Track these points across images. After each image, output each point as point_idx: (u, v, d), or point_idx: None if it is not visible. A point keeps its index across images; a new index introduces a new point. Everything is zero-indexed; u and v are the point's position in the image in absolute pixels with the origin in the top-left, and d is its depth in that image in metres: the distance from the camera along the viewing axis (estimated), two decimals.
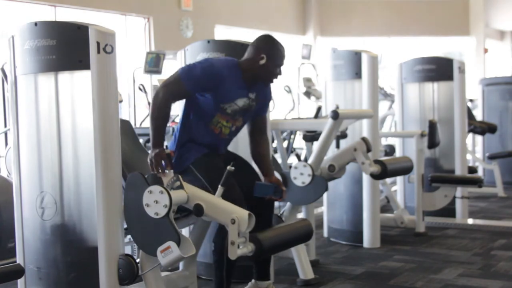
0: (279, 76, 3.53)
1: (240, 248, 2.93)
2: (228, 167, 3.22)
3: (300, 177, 4.15)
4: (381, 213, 5.37)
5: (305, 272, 4.18)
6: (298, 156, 4.62)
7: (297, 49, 12.51)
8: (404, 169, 5.00)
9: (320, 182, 4.14)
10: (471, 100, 9.78)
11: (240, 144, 4.18)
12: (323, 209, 5.57)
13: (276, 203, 4.46)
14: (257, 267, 3.64)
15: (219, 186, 3.24)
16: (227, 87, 3.37)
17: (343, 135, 5.05)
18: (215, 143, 3.50)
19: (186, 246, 2.87)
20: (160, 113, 3.29)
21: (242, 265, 4.03)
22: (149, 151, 3.27)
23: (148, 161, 3.22)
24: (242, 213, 2.90)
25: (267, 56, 3.43)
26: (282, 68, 3.53)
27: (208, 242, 4.17)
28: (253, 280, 3.65)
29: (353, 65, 5.17)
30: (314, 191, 4.14)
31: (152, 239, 2.90)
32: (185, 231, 3.83)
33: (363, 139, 4.51)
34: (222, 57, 3.59)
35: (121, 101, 7.30)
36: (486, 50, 16.95)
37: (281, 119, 6.73)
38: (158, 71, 8.21)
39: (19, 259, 3.29)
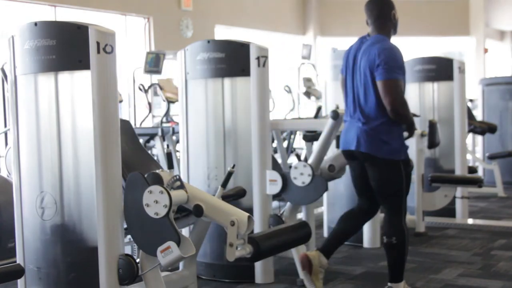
0: None
1: (238, 249, 2.93)
2: (229, 169, 3.22)
3: (300, 177, 4.14)
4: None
5: None
6: (298, 156, 4.63)
7: (297, 49, 12.51)
8: None
9: (320, 182, 4.14)
10: (471, 100, 9.78)
11: (240, 142, 4.19)
12: (323, 209, 5.57)
13: (276, 203, 4.46)
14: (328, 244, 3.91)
15: (219, 186, 3.24)
16: None
17: None
18: None
19: (186, 246, 2.87)
20: (409, 112, 3.69)
21: (242, 265, 4.04)
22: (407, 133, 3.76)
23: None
24: (241, 215, 2.89)
25: (395, 10, 3.75)
26: None
27: (208, 242, 4.18)
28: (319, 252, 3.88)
29: None
30: (314, 191, 4.14)
31: (152, 239, 2.90)
32: (185, 231, 3.83)
33: None
34: (381, 38, 3.78)
35: (121, 101, 7.31)
36: (486, 50, 16.96)
37: (281, 119, 6.74)
38: (158, 71, 8.19)
39: (19, 259, 3.29)
